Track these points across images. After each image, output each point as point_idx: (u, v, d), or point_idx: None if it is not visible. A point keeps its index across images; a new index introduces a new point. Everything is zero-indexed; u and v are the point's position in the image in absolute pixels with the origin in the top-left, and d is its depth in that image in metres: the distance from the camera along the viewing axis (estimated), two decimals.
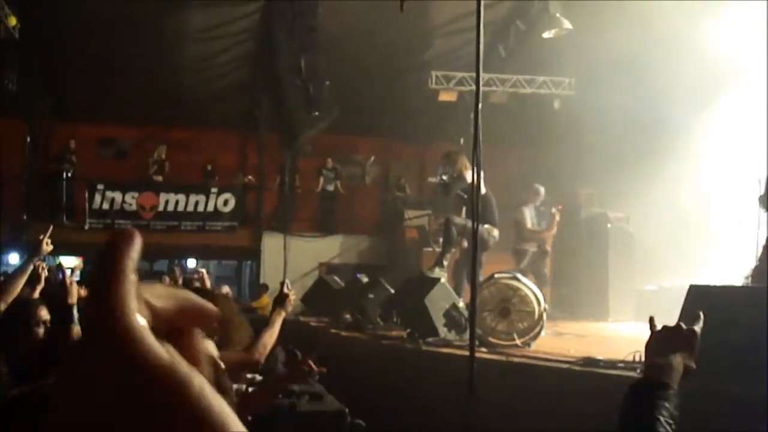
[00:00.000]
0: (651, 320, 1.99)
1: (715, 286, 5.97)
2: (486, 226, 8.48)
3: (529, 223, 10.66)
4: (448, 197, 8.71)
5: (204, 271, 10.18)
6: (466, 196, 8.44)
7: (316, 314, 11.23)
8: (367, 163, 18.78)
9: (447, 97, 14.65)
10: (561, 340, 7.72)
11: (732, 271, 9.06)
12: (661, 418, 1.72)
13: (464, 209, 8.75)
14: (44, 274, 6.94)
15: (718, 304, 5.03)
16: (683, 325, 1.90)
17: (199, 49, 15.25)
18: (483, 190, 8.39)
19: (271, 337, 4.14)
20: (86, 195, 16.24)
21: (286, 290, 4.39)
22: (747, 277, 6.38)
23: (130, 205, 16.53)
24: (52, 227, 5.89)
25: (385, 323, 8.95)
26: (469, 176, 8.61)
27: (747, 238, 9.79)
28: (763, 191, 6.67)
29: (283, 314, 4.31)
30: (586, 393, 5.10)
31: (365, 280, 10.23)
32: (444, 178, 8.74)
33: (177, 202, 16.75)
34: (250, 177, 17.49)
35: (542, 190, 10.83)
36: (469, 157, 8.67)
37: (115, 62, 14.49)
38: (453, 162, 8.71)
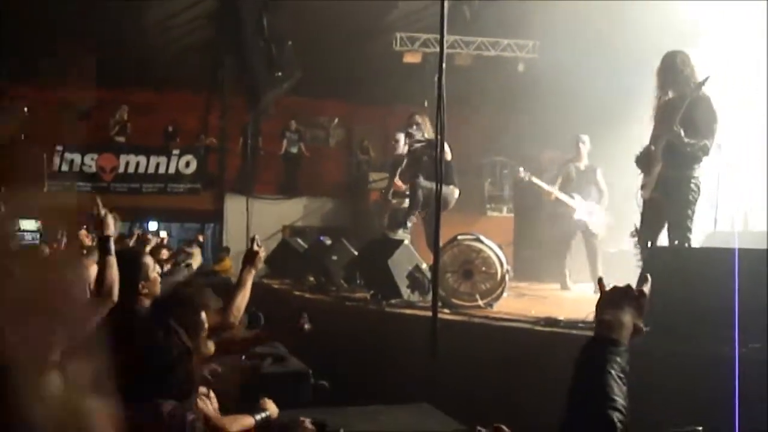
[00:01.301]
0: (600, 281, 2.05)
1: (672, 248, 6.06)
2: (451, 186, 8.51)
3: None
4: (421, 163, 8.58)
5: (164, 234, 10.15)
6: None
7: (279, 276, 11.22)
8: (331, 126, 18.65)
9: (411, 58, 14.55)
10: (523, 302, 7.82)
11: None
12: (612, 372, 1.77)
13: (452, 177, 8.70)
14: None
15: (676, 264, 5.12)
16: (632, 286, 1.96)
17: (161, 7, 14.96)
18: (449, 156, 8.41)
19: (243, 297, 4.13)
20: (44, 157, 15.94)
21: (255, 247, 4.33)
22: (632, 234, 6.39)
23: (90, 167, 16.28)
24: None
25: (349, 285, 8.98)
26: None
27: (705, 199, 9.94)
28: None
29: (253, 272, 4.26)
30: (547, 352, 5.18)
31: (329, 242, 10.23)
32: (416, 144, 8.65)
33: (138, 164, 16.53)
34: (212, 139, 17.29)
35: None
36: (433, 119, 8.70)
37: (74, 24, 14.16)
38: (421, 126, 8.66)
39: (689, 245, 5.93)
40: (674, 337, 4.44)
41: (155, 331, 2.54)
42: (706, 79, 5.91)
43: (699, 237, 9.18)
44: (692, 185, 6.00)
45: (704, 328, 4.40)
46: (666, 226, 6.15)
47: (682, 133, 5.84)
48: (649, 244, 6.11)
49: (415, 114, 8.67)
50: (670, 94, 6.12)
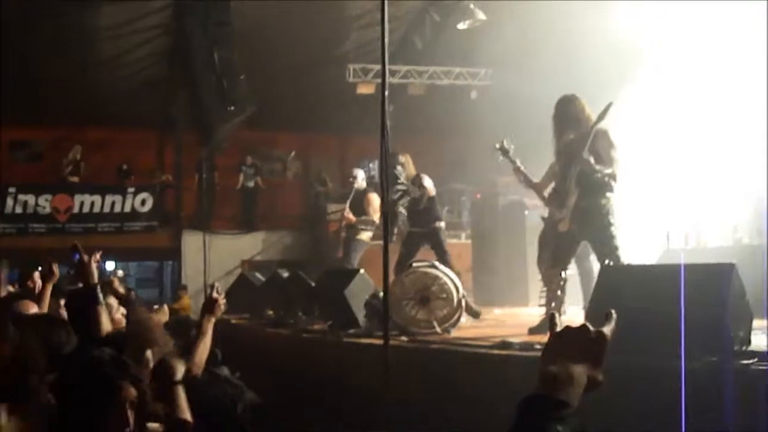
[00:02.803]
0: (552, 318, 1.65)
1: (625, 266, 6.15)
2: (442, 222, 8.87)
3: None
4: (418, 208, 8.71)
5: (120, 273, 9.99)
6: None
7: (237, 312, 11.08)
8: (287, 158, 18.63)
9: (365, 89, 14.63)
10: (480, 327, 7.80)
11: (644, 250, 9.27)
12: None
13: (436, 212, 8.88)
14: None
15: (629, 282, 5.16)
16: (590, 327, 1.55)
17: (112, 46, 14.89)
18: (433, 192, 8.65)
19: (204, 347, 4.01)
20: None
21: (215, 295, 4.19)
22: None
23: (44, 208, 16.04)
24: None
25: (307, 317, 8.89)
26: (426, 181, 8.74)
27: (657, 218, 10.07)
28: None
29: (213, 320, 4.12)
30: (502, 376, 5.16)
31: (286, 274, 10.15)
32: (402, 187, 8.73)
33: (93, 203, 16.31)
34: (167, 175, 17.15)
35: None
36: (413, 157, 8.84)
37: (25, 63, 14.03)
38: (403, 166, 8.72)
39: (620, 263, 6.15)
40: (627, 353, 4.44)
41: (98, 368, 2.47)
42: (607, 109, 6.26)
43: (653, 255, 9.31)
44: (607, 210, 6.30)
45: (658, 343, 4.41)
46: (590, 250, 6.66)
47: (592, 160, 6.17)
48: (563, 273, 6.53)
49: (397, 154, 8.72)
50: (571, 136, 6.46)
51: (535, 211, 10.86)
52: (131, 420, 2.42)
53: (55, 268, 5.10)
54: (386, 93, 5.32)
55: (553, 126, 6.73)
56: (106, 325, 3.38)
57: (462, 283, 7.45)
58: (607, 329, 1.54)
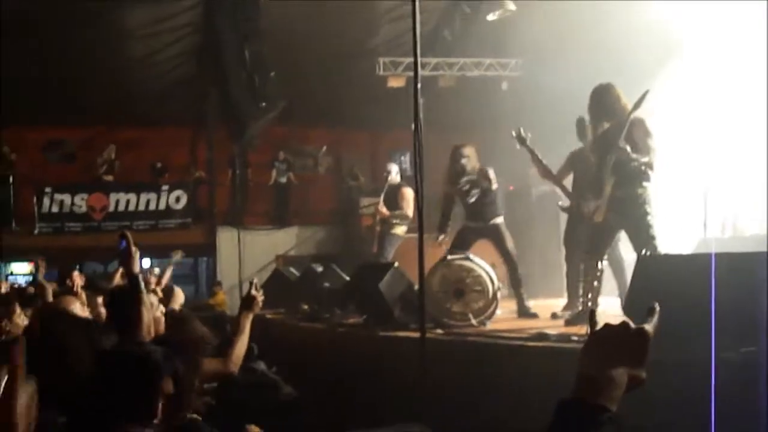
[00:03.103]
0: (591, 315, 1.57)
1: (662, 255, 6.09)
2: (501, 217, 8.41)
3: None
4: (482, 201, 8.43)
5: (156, 271, 10.09)
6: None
7: (272, 307, 11.15)
8: (319, 154, 18.67)
9: (396, 83, 14.60)
10: (516, 319, 7.78)
11: (679, 240, 9.18)
12: None
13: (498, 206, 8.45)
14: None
15: (666, 272, 5.11)
16: (630, 324, 1.47)
17: (143, 45, 14.99)
18: (495, 185, 8.35)
19: (242, 344, 4.03)
20: (34, 199, 15.92)
21: (253, 291, 4.19)
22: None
23: (80, 207, 16.24)
24: None
25: (342, 311, 8.91)
26: (492, 173, 8.49)
27: (691, 209, 9.95)
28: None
29: (251, 316, 4.13)
30: (539, 368, 5.14)
31: (320, 269, 10.18)
32: (468, 180, 8.37)
33: (128, 202, 16.49)
34: (200, 172, 17.28)
35: None
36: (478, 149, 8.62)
37: (57, 64, 14.20)
38: (468, 159, 8.46)
39: (657, 252, 6.11)
40: (665, 344, 4.40)
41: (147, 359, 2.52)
42: (643, 97, 6.16)
43: (690, 244, 9.21)
44: (644, 199, 6.27)
45: (696, 333, 4.37)
46: (627, 240, 6.52)
47: (629, 149, 6.12)
48: (599, 264, 6.49)
49: (461, 147, 8.53)
50: (606, 125, 6.43)
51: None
52: (160, 412, 2.46)
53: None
54: (418, 85, 5.30)
55: (588, 115, 6.68)
56: (147, 319, 3.40)
57: (497, 275, 7.42)
58: (650, 325, 1.47)
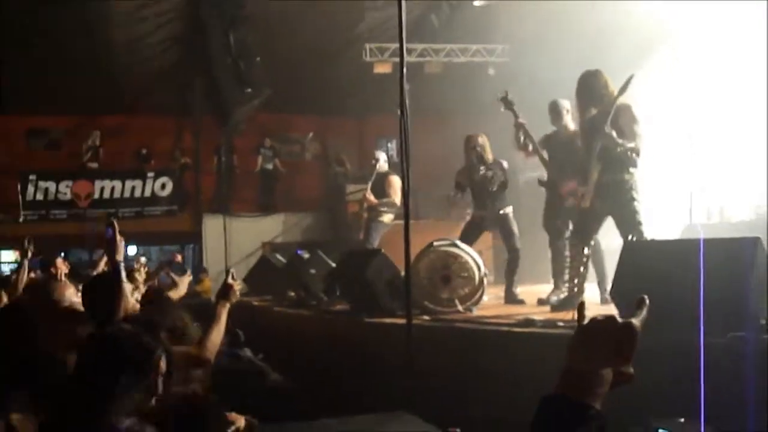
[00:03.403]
0: (580, 309, 1.52)
1: (648, 241, 6.10)
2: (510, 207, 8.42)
3: None
4: (503, 188, 8.31)
5: (143, 260, 10.03)
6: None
7: (259, 293, 11.14)
8: (305, 140, 18.60)
9: (382, 69, 14.53)
10: (502, 305, 7.79)
11: (665, 225, 9.20)
12: None
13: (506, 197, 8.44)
14: None
15: (652, 257, 5.12)
16: (617, 319, 1.43)
17: (126, 32, 14.84)
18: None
19: (218, 333, 3.94)
20: (18, 187, 15.80)
21: (230, 280, 4.12)
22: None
23: (65, 194, 16.14)
24: None
25: (329, 298, 8.91)
26: (505, 164, 8.46)
27: (678, 193, 9.98)
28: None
29: (228, 306, 4.05)
30: (526, 354, 5.14)
31: (306, 256, 10.16)
32: (484, 170, 8.29)
33: (113, 189, 16.40)
34: (186, 158, 17.18)
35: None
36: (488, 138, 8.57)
37: (40, 52, 14.05)
38: (483, 148, 8.42)
39: (644, 238, 6.14)
40: (652, 330, 4.41)
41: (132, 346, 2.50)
42: (628, 82, 6.18)
43: (675, 230, 9.24)
44: (630, 185, 6.27)
45: (682, 319, 4.38)
46: (609, 226, 6.51)
47: (614, 134, 6.12)
48: (585, 250, 6.53)
49: (475, 136, 8.50)
50: (593, 111, 6.41)
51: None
52: (160, 388, 2.44)
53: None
54: (404, 71, 5.27)
55: (576, 101, 6.67)
56: (125, 307, 3.37)
57: (483, 261, 7.42)
58: (637, 319, 1.44)
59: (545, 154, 7.88)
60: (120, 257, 3.47)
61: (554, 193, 7.66)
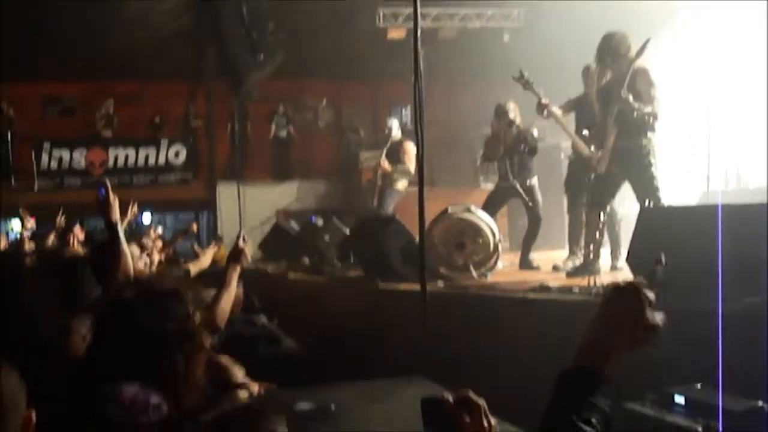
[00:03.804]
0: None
1: (665, 207, 6.05)
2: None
3: None
4: (533, 155, 8.16)
5: (160, 231, 10.05)
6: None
7: (274, 260, 11.17)
8: (319, 107, 18.51)
9: (396, 34, 14.40)
10: (517, 271, 7.77)
11: (684, 193, 9.13)
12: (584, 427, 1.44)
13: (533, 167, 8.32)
14: None
15: (669, 223, 5.07)
16: (640, 288, 1.56)
17: None
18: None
19: (228, 298, 3.87)
20: (33, 155, 15.84)
21: (240, 243, 4.03)
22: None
23: (79, 162, 16.18)
24: None
25: (343, 264, 8.92)
26: (535, 131, 8.33)
27: (696, 159, 9.88)
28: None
29: (238, 269, 3.97)
30: (541, 320, 5.12)
31: (320, 222, 10.16)
32: (516, 137, 8.14)
33: (127, 157, 16.43)
34: (199, 121, 17.11)
35: None
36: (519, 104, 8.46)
37: (53, 19, 13.99)
38: (515, 113, 8.29)
39: (661, 204, 6.11)
40: (671, 296, 4.38)
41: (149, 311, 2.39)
42: (645, 46, 6.06)
43: (693, 196, 9.16)
44: (647, 150, 6.21)
45: (698, 286, 4.34)
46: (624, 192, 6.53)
47: (631, 98, 6.04)
48: (601, 215, 6.48)
49: (506, 102, 8.38)
50: (610, 74, 6.37)
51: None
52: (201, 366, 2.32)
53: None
54: (419, 35, 5.20)
55: (595, 64, 6.57)
56: (125, 268, 3.30)
57: (498, 228, 7.39)
58: (648, 280, 1.55)
59: (573, 119, 7.80)
60: (115, 217, 3.39)
61: (579, 158, 7.56)
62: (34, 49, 14.54)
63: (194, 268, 6.21)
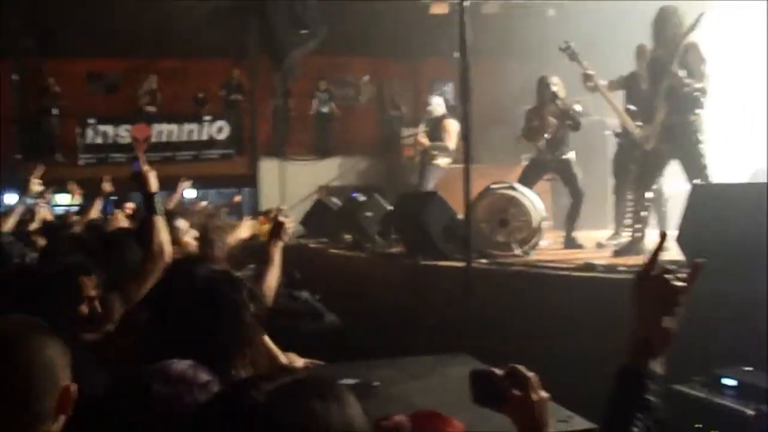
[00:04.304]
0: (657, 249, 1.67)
1: (717, 185, 5.93)
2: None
3: None
4: (575, 130, 7.97)
5: (204, 204, 10.14)
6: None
7: (315, 236, 11.21)
8: (360, 83, 18.47)
9: (438, 9, 14.24)
10: (561, 249, 7.68)
11: (733, 169, 8.93)
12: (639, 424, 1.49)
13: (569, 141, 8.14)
14: (41, 211, 6.88)
15: (721, 202, 4.96)
16: (670, 274, 1.58)
17: None
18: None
19: (273, 275, 3.82)
20: (77, 131, 16.05)
21: (281, 218, 3.99)
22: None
23: (124, 138, 16.35)
24: (41, 168, 5.84)
25: (384, 240, 8.90)
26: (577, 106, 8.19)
27: (748, 137, 9.67)
28: None
29: (280, 245, 3.92)
30: (586, 298, 5.06)
31: (362, 198, 10.14)
32: (558, 110, 8.01)
33: (170, 133, 16.56)
34: (238, 96, 17.16)
35: None
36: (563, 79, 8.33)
37: None
38: (558, 86, 8.16)
39: (710, 182, 5.98)
40: (720, 275, 4.28)
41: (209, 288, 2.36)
42: (698, 20, 5.94)
43: (743, 174, 8.97)
44: (696, 126, 6.07)
45: (749, 265, 4.24)
46: (681, 169, 6.25)
47: (682, 74, 5.92)
48: (648, 194, 6.36)
49: (549, 76, 8.25)
50: (663, 48, 6.19)
51: (616, 131, 10.57)
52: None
53: None
54: (465, 7, 5.13)
55: (651, 34, 6.40)
56: (165, 240, 3.27)
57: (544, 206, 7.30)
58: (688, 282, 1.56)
59: (623, 96, 7.64)
60: (152, 189, 3.37)
61: (626, 135, 7.40)
62: (79, 27, 14.69)
63: (232, 238, 6.21)
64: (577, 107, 8.06)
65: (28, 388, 1.62)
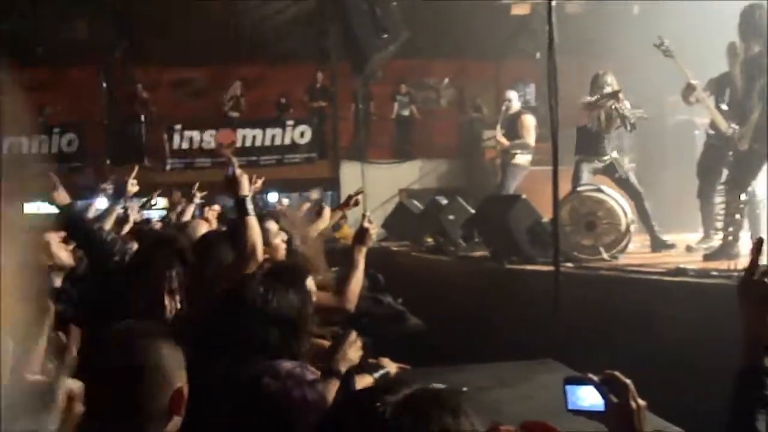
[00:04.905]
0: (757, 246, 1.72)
1: None
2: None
3: None
4: (632, 130, 7.90)
5: (286, 201, 10.25)
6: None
7: (397, 239, 11.23)
8: (441, 86, 18.42)
9: (520, 10, 14.14)
10: (649, 253, 7.49)
11: None
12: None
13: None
14: (133, 214, 7.05)
15: None
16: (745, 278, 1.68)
17: None
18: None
19: (357, 280, 3.86)
20: (165, 136, 16.46)
21: (366, 224, 3.99)
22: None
23: (209, 143, 16.70)
24: (137, 168, 5.98)
25: (467, 243, 8.84)
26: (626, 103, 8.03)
27: None
28: None
29: (364, 250, 3.93)
30: (678, 303, 4.91)
31: (444, 202, 10.09)
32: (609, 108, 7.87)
33: (254, 138, 16.84)
34: (321, 102, 17.33)
35: None
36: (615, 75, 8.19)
37: (182, 5, 14.45)
38: (612, 85, 8.03)
39: None
40: None
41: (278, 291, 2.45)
42: None
43: None
44: None
45: None
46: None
47: None
48: (742, 196, 6.12)
49: (604, 74, 8.12)
50: (756, 48, 5.98)
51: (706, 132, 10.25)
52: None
53: None
54: (553, 5, 5.04)
55: (738, 36, 6.19)
56: (252, 242, 3.29)
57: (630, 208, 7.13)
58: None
59: (712, 99, 7.38)
60: (244, 192, 3.40)
61: (717, 137, 7.11)
62: (166, 36, 15.07)
63: (314, 229, 6.22)
64: (639, 112, 7.78)
65: (142, 389, 1.66)
